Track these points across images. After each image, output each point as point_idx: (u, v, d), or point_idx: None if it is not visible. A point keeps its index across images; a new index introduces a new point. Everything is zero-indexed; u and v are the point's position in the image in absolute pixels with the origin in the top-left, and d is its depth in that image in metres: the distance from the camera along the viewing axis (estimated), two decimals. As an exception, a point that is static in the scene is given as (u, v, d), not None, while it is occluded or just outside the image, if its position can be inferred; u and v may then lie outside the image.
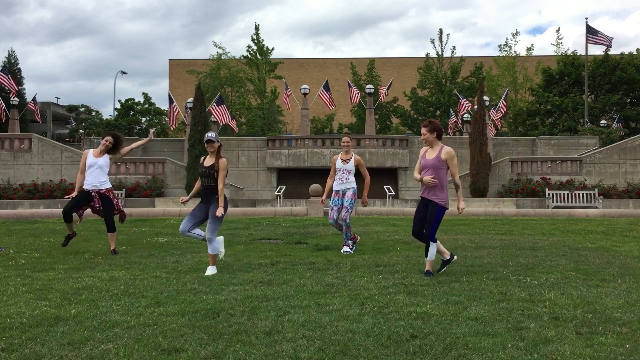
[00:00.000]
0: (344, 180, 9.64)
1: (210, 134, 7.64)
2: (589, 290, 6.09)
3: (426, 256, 7.13)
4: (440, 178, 6.98)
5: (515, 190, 25.52)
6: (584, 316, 4.95)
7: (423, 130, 7.12)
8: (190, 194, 8.18)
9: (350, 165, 9.62)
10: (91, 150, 9.46)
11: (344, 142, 9.71)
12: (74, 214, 9.42)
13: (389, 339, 4.29)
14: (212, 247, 7.47)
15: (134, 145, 10.02)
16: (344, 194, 9.64)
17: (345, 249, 9.47)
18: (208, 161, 7.74)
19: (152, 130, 10.48)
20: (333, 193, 9.72)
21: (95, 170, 9.26)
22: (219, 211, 7.43)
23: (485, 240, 11.35)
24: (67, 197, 9.72)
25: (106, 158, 9.41)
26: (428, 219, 7.09)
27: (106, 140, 9.38)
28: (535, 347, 4.09)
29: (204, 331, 4.52)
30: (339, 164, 9.66)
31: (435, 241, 7.08)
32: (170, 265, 7.96)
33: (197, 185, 8.01)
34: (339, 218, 9.60)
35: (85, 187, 9.26)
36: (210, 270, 7.31)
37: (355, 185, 9.71)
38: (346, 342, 4.21)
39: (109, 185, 9.42)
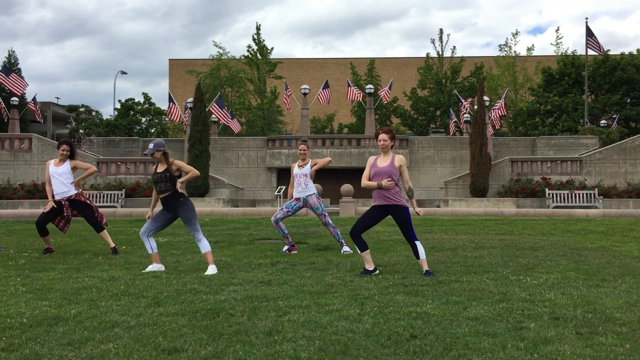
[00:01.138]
0: (302, 186, 9.57)
1: (150, 146, 7.46)
2: (589, 290, 6.09)
3: (418, 257, 7.14)
4: (396, 183, 7.00)
5: (515, 190, 25.52)
6: (584, 316, 4.95)
7: (385, 136, 7.01)
8: (152, 207, 7.86)
9: (307, 170, 9.57)
10: (52, 160, 9.55)
11: (300, 149, 9.68)
12: (48, 228, 9.45)
13: (389, 339, 4.29)
14: (205, 245, 7.47)
15: (83, 176, 9.71)
16: (305, 201, 9.56)
17: (345, 249, 9.48)
18: (160, 167, 7.56)
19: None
20: (294, 199, 9.65)
21: (57, 180, 9.33)
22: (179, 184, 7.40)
23: (485, 240, 11.35)
24: (44, 210, 9.65)
25: (67, 165, 9.43)
26: (402, 224, 7.05)
27: (63, 150, 9.42)
28: (535, 347, 4.09)
29: (204, 331, 4.52)
30: (295, 169, 9.62)
31: (417, 240, 7.12)
32: (170, 265, 7.96)
33: (154, 194, 7.76)
34: (326, 226, 9.62)
35: (55, 197, 9.32)
36: (211, 270, 7.31)
37: (315, 191, 9.68)
38: (346, 342, 4.21)
39: (75, 192, 9.39)
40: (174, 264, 8.15)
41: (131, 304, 5.47)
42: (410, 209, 7.12)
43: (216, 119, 34.20)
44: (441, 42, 48.44)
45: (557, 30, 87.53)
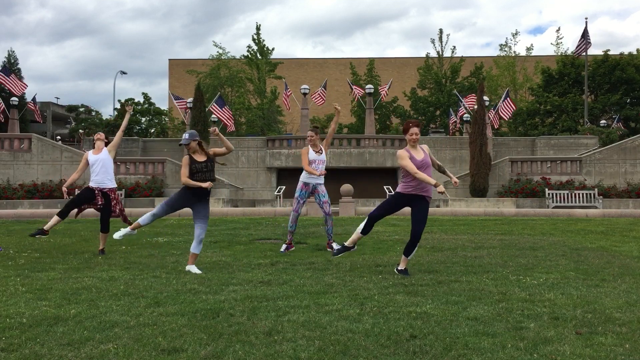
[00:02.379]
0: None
1: (185, 136, 7.47)
2: (588, 290, 6.09)
3: (407, 255, 7.16)
4: None
5: (515, 190, 25.52)
6: (583, 316, 4.95)
7: (417, 130, 7.05)
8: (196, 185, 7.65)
9: (324, 157, 9.56)
10: (90, 150, 9.45)
11: (309, 135, 9.66)
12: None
13: (389, 339, 4.29)
14: (199, 247, 7.56)
15: (121, 128, 9.83)
16: (314, 188, 9.53)
17: (335, 245, 9.34)
18: (198, 157, 7.53)
19: (128, 106, 10.13)
20: (302, 185, 9.54)
21: (99, 168, 9.20)
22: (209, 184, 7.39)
23: (485, 240, 11.35)
24: (68, 197, 9.67)
25: (105, 151, 9.37)
26: (424, 216, 7.11)
27: (99, 136, 9.44)
28: (535, 347, 4.09)
29: (203, 331, 4.52)
30: (312, 155, 9.50)
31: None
32: (169, 265, 7.95)
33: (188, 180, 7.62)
34: (324, 214, 9.52)
35: (91, 184, 9.22)
36: (193, 269, 7.38)
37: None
38: (346, 342, 4.21)
39: (112, 186, 9.37)
40: (173, 264, 8.14)
41: (131, 304, 5.47)
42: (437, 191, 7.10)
43: (216, 119, 34.20)
44: (441, 42, 48.47)
45: (557, 30, 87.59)
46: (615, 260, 8.41)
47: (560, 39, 74.53)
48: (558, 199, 24.50)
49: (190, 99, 30.93)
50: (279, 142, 31.42)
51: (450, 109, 41.88)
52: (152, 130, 51.09)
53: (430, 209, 23.42)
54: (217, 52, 49.79)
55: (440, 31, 48.80)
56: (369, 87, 34.50)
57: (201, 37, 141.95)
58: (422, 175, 6.89)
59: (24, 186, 25.08)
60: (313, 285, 6.40)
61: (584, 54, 37.58)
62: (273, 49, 48.14)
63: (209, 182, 7.39)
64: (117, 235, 7.76)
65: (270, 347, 4.10)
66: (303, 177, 9.61)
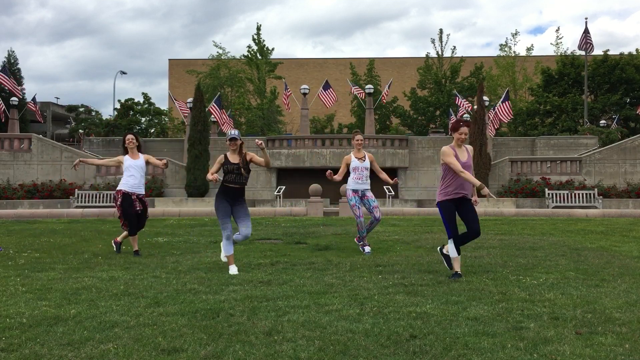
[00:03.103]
0: (364, 180, 9.56)
1: (234, 132, 7.62)
2: (588, 290, 6.10)
3: (459, 253, 7.06)
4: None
5: (515, 190, 25.52)
6: (583, 316, 4.95)
7: (467, 130, 7.00)
8: (213, 171, 7.73)
9: (367, 164, 9.58)
10: (126, 155, 9.40)
11: (357, 139, 9.59)
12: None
13: (389, 339, 4.29)
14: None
15: (157, 162, 9.87)
16: (363, 193, 9.56)
17: (367, 249, 9.41)
18: (232, 158, 7.62)
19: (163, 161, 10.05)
20: (351, 192, 9.59)
21: (136, 172, 9.23)
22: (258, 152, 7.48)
23: (485, 240, 11.35)
24: (75, 164, 9.51)
25: (142, 159, 9.41)
26: (474, 216, 7.04)
27: (129, 140, 9.35)
28: (535, 347, 4.09)
29: (203, 331, 4.52)
30: (355, 162, 9.53)
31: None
32: (169, 265, 7.96)
33: (212, 175, 7.67)
34: (373, 219, 9.55)
35: (125, 189, 9.22)
36: (234, 269, 7.39)
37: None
38: (346, 342, 4.21)
39: (144, 192, 9.45)
40: (173, 264, 8.14)
41: (131, 304, 5.47)
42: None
43: (215, 120, 34.20)
44: (441, 42, 48.45)
45: (557, 30, 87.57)
46: (615, 260, 8.41)
47: (560, 39, 74.61)
48: (558, 199, 24.50)
49: (190, 99, 30.92)
50: (279, 142, 31.41)
51: (450, 109, 41.87)
52: (152, 130, 51.07)
53: (431, 209, 23.41)
54: (217, 52, 49.86)
55: (440, 31, 48.82)
56: (369, 87, 34.49)
57: (201, 37, 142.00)
58: (466, 174, 6.81)
59: (24, 186, 25.08)
60: (313, 285, 6.40)
61: (591, 53, 37.48)
62: (273, 49, 48.14)
63: (215, 175, 7.55)
64: (234, 271, 7.47)
65: (270, 347, 4.10)
66: (350, 184, 9.59)
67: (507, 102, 34.18)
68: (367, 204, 9.58)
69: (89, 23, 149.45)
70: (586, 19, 38.31)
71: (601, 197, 24.41)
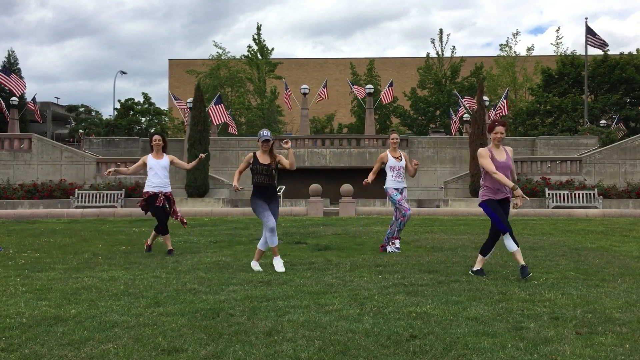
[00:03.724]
0: (402, 179, 9.65)
1: (267, 133, 7.63)
2: (588, 290, 6.09)
3: (485, 255, 7.07)
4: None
5: (515, 190, 25.47)
6: (583, 316, 4.95)
7: (503, 129, 6.95)
8: (236, 182, 7.89)
9: (404, 163, 9.64)
10: (149, 155, 9.42)
11: (393, 138, 9.67)
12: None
13: (389, 339, 4.29)
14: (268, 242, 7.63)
15: (183, 164, 9.96)
16: (401, 192, 9.62)
17: (390, 248, 9.44)
18: (264, 159, 7.64)
19: (201, 155, 10.07)
20: (393, 190, 9.60)
21: (160, 172, 9.25)
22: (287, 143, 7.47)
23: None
24: (107, 171, 9.52)
25: (167, 159, 9.41)
26: (507, 214, 7.03)
27: (156, 140, 9.35)
28: (535, 347, 4.09)
29: (203, 331, 4.52)
30: (392, 161, 9.58)
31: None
32: (169, 265, 7.96)
33: (238, 174, 7.81)
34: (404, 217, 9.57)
35: (151, 189, 9.23)
36: (257, 266, 7.50)
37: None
38: (346, 342, 4.21)
39: (170, 189, 9.48)
40: (173, 264, 8.14)
41: (131, 304, 5.47)
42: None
43: (219, 123, 34.20)
44: (441, 42, 48.46)
45: (557, 30, 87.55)
46: (615, 260, 8.41)
47: (560, 39, 74.52)
48: (558, 199, 24.49)
49: (190, 99, 30.92)
50: (279, 142, 31.40)
51: (450, 109, 41.87)
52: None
53: (431, 209, 23.42)
54: (217, 52, 49.86)
55: (440, 31, 48.82)
56: (369, 87, 34.48)
57: (201, 37, 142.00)
58: (499, 175, 6.77)
59: (24, 186, 25.06)
60: (313, 285, 6.40)
61: (607, 50, 37.36)
62: (273, 49, 48.17)
63: (235, 185, 7.67)
64: (280, 268, 7.47)
65: (270, 347, 4.10)
66: (390, 183, 9.64)
67: (504, 101, 34.31)
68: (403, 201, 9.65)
69: (89, 23, 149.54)
70: (586, 18, 38.28)
71: (601, 197, 24.40)
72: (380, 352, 4.00)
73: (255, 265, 7.58)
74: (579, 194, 24.62)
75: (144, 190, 9.38)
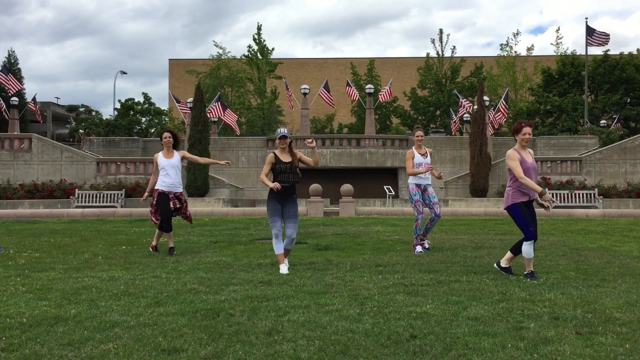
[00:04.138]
0: (427, 175, 9.61)
1: (284, 130, 7.54)
2: (589, 290, 6.09)
3: (516, 253, 7.01)
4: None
5: (515, 190, 25.47)
6: (584, 316, 4.95)
7: (530, 130, 6.94)
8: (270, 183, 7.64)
9: (429, 160, 9.64)
10: (159, 153, 9.32)
11: (418, 135, 9.67)
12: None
13: (389, 339, 4.29)
14: (292, 246, 7.61)
15: (195, 158, 9.92)
16: (424, 189, 9.59)
17: (420, 249, 9.40)
18: (285, 157, 7.54)
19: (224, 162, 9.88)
20: (414, 187, 9.59)
21: (171, 171, 9.17)
22: (312, 143, 7.39)
23: (485, 240, 11.35)
24: (142, 199, 9.57)
25: (177, 157, 9.31)
26: (535, 219, 7.00)
27: (166, 137, 9.23)
28: (535, 347, 4.09)
29: (204, 331, 4.52)
30: (418, 158, 9.56)
31: None
32: (170, 265, 7.96)
33: (266, 178, 7.57)
34: (433, 215, 9.57)
35: (162, 188, 9.15)
36: (284, 268, 7.40)
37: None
38: (346, 342, 4.21)
39: (182, 189, 9.44)
40: (173, 264, 8.14)
41: (131, 304, 5.47)
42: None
43: (216, 119, 34.20)
44: (441, 42, 48.44)
45: (557, 30, 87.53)
46: (615, 260, 8.41)
47: (560, 39, 74.51)
48: (558, 199, 24.48)
49: (190, 99, 30.93)
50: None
51: (451, 109, 41.87)
52: (152, 130, 51.07)
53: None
54: (218, 52, 49.86)
55: (440, 31, 48.79)
56: (369, 87, 34.48)
57: (202, 37, 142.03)
58: (527, 181, 6.73)
59: (24, 186, 25.07)
60: (313, 285, 6.40)
61: (606, 45, 37.35)
62: (273, 49, 48.15)
63: (276, 184, 7.36)
64: (283, 271, 7.38)
65: (271, 347, 4.10)
66: (412, 179, 9.63)
67: (502, 102, 34.24)
68: (427, 199, 9.63)
69: (89, 23, 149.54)
70: (586, 18, 38.31)
71: (601, 197, 24.40)
72: (381, 352, 4.00)
73: (282, 268, 7.38)
74: (579, 194, 24.62)
75: (155, 188, 9.26)
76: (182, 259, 8.68)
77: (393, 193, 27.67)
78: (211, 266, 7.88)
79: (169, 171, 9.16)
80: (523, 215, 6.86)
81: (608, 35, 36.75)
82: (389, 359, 3.89)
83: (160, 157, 9.26)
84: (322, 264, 8.00)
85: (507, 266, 7.13)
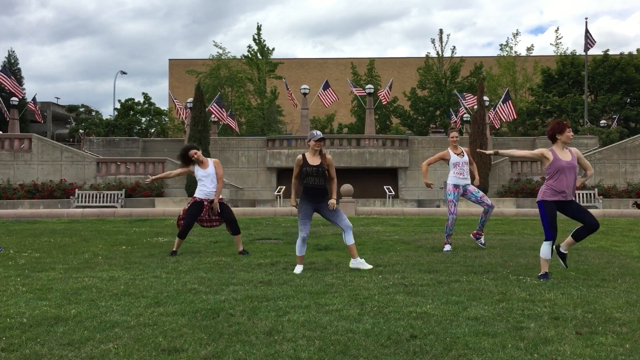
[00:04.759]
0: (465, 175, 9.65)
1: (318, 132, 7.55)
2: (589, 290, 6.09)
3: (579, 239, 6.96)
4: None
5: (515, 190, 25.53)
6: (584, 316, 4.95)
7: (571, 131, 6.92)
8: (294, 196, 7.78)
9: (467, 159, 9.69)
10: (196, 165, 9.36)
11: (453, 136, 9.72)
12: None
13: (389, 339, 4.29)
14: (349, 239, 7.57)
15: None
16: (464, 189, 9.61)
17: (448, 247, 9.48)
18: (314, 160, 7.51)
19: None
20: (452, 187, 9.61)
21: (207, 180, 9.26)
22: (333, 203, 7.49)
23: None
24: (147, 180, 9.72)
25: (212, 166, 9.40)
26: (584, 209, 6.97)
27: (196, 155, 9.26)
28: (535, 347, 4.09)
29: (204, 331, 4.52)
30: (455, 158, 9.60)
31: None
32: (170, 265, 7.95)
33: (296, 183, 7.64)
34: (487, 208, 9.61)
35: (200, 196, 9.24)
36: (357, 263, 7.46)
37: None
38: (346, 342, 4.21)
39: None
40: (174, 264, 8.14)
41: (131, 304, 5.47)
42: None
43: (216, 119, 34.21)
44: (441, 42, 48.45)
45: (556, 31, 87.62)
46: (615, 260, 8.41)
47: (559, 39, 74.59)
48: (558, 199, 24.47)
49: (190, 99, 30.93)
50: (279, 142, 31.41)
51: (450, 109, 41.86)
52: (152, 130, 51.08)
53: (431, 209, 23.37)
54: (218, 52, 49.86)
55: (440, 31, 48.80)
56: (369, 87, 34.48)
57: (202, 37, 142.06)
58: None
59: (24, 186, 25.07)
60: (313, 285, 6.39)
61: (585, 53, 37.55)
62: (273, 49, 48.17)
63: (292, 201, 7.47)
64: (297, 271, 7.39)
65: (271, 347, 4.10)
66: (451, 179, 9.66)
67: (509, 102, 34.15)
68: (473, 196, 9.67)
69: (89, 23, 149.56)
70: (586, 19, 38.39)
71: (601, 197, 24.40)
72: (381, 352, 4.00)
73: (298, 269, 7.38)
74: (579, 194, 24.62)
75: (194, 195, 9.43)
76: (182, 259, 8.68)
77: (393, 193, 27.67)
78: (211, 266, 7.88)
79: (205, 182, 9.28)
80: (547, 214, 6.82)
81: (595, 41, 37.02)
82: (389, 359, 3.89)
83: (196, 169, 9.38)
84: (322, 264, 8.00)
85: (565, 252, 7.00)
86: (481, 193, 9.72)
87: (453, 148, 9.75)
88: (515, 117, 35.88)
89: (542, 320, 4.83)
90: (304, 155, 7.56)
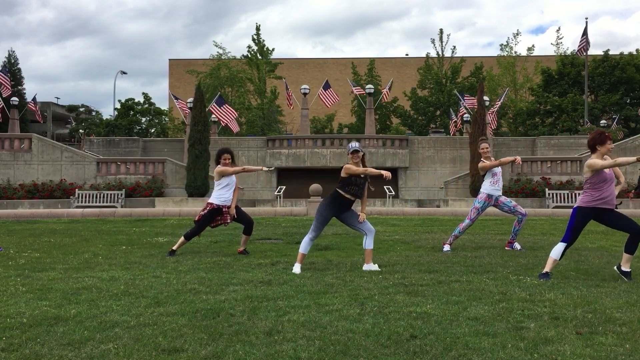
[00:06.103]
0: (499, 185, 9.70)
1: (356, 144, 7.47)
2: (589, 290, 6.09)
3: (633, 252, 6.87)
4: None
5: (515, 190, 25.51)
6: (584, 316, 4.95)
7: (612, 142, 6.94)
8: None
9: (500, 169, 9.69)
10: (225, 168, 9.30)
11: (483, 147, 9.68)
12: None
13: (389, 339, 4.29)
14: (369, 242, 7.58)
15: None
16: (496, 199, 9.65)
17: (447, 248, 9.54)
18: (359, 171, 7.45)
19: (266, 168, 10.03)
20: (485, 196, 9.64)
21: (231, 188, 9.29)
22: (363, 216, 7.59)
23: (485, 240, 11.35)
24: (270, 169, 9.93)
25: (234, 176, 9.45)
26: (625, 217, 6.97)
27: (225, 159, 9.21)
28: (535, 347, 4.09)
29: (204, 331, 4.52)
30: (496, 167, 9.60)
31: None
32: (170, 265, 7.95)
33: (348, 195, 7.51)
34: (521, 216, 9.71)
35: (217, 202, 9.20)
36: (370, 267, 7.46)
37: None
38: (346, 342, 4.21)
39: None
40: (174, 264, 8.14)
41: (131, 304, 5.47)
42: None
43: (216, 119, 34.21)
44: (441, 42, 48.46)
45: (557, 30, 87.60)
46: (615, 260, 8.40)
47: (560, 39, 74.57)
48: (558, 199, 24.49)
49: (190, 99, 30.94)
50: (279, 142, 31.42)
51: (451, 109, 41.87)
52: (152, 130, 51.09)
53: (431, 209, 23.35)
54: (218, 52, 49.90)
55: (441, 31, 48.80)
56: (369, 87, 34.48)
57: (202, 37, 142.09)
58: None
59: (24, 186, 25.07)
60: (313, 285, 6.39)
61: (585, 53, 37.58)
62: (273, 49, 48.22)
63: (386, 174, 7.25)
64: (296, 270, 7.36)
65: (271, 347, 4.10)
66: (486, 188, 9.68)
67: (501, 100, 34.43)
68: (506, 206, 9.73)
69: (90, 23, 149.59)
70: (586, 19, 38.38)
71: (601, 197, 24.38)
72: (381, 352, 4.00)
73: (296, 268, 7.37)
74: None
75: (209, 201, 9.32)
76: (182, 259, 8.68)
77: (393, 193, 27.67)
78: (211, 266, 7.88)
79: (226, 188, 9.30)
80: (577, 220, 6.87)
81: (589, 46, 37.11)
82: (389, 359, 3.89)
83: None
84: (322, 264, 8.00)
85: (628, 270, 6.88)
86: (514, 202, 9.78)
87: (486, 159, 9.70)
88: (495, 111, 35.86)
89: (542, 320, 4.83)
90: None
